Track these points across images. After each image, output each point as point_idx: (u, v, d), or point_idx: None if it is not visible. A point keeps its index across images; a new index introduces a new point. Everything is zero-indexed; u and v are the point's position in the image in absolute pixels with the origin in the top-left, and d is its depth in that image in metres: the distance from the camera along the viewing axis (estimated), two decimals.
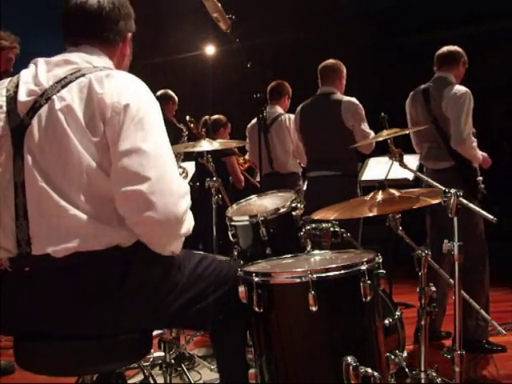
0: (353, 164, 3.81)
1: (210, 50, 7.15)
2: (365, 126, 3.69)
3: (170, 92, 5.29)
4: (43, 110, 1.46)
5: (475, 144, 3.20)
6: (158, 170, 1.43)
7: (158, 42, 6.76)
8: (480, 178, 3.23)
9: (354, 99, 3.73)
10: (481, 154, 3.28)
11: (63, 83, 1.47)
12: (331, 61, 3.89)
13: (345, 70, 3.89)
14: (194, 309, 1.63)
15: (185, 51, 6.80)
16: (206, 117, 4.87)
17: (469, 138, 3.14)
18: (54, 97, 1.46)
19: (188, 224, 1.54)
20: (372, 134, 3.63)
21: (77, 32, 1.62)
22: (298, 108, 4.02)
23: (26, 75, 1.53)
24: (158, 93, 5.11)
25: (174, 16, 6.70)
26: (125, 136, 1.43)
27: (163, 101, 5.11)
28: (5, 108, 1.49)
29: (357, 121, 3.68)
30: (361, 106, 3.71)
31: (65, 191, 1.44)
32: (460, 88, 3.20)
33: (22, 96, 1.49)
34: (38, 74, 1.51)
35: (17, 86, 1.51)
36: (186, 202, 1.51)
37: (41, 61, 1.55)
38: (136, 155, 1.42)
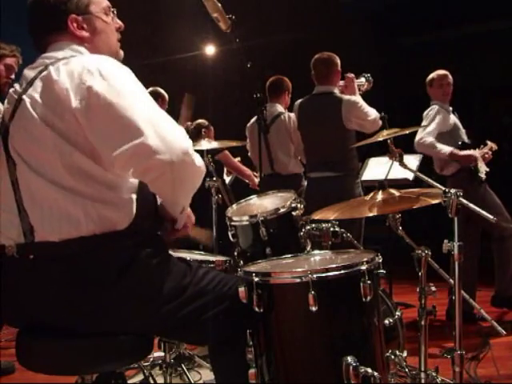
0: (354, 163, 3.76)
1: (209, 49, 7.16)
2: (369, 115, 3.61)
3: (159, 89, 5.23)
4: (18, 111, 1.56)
5: (429, 142, 3.68)
6: (146, 116, 1.46)
7: (157, 42, 6.75)
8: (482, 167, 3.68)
9: (353, 98, 3.66)
10: (448, 149, 3.69)
11: (31, 82, 1.56)
12: (326, 56, 3.78)
13: (339, 63, 3.78)
14: (194, 322, 1.62)
15: (185, 51, 6.79)
16: (188, 123, 4.84)
17: (421, 141, 3.70)
18: (24, 96, 1.55)
19: (198, 157, 1.53)
20: (375, 113, 3.62)
21: (36, 35, 1.70)
22: (296, 104, 3.93)
23: (11, 89, 1.64)
24: (148, 90, 5.08)
25: (174, 16, 6.69)
26: (98, 101, 1.45)
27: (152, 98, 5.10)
28: None
29: (361, 117, 3.60)
30: (359, 100, 3.64)
31: (49, 175, 1.51)
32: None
33: (5, 105, 1.61)
34: (17, 83, 1.63)
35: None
36: (185, 135, 1.51)
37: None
38: (119, 115, 1.44)
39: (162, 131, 1.45)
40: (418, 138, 3.74)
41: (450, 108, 3.94)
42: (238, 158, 5.03)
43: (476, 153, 3.76)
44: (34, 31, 1.70)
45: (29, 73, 1.61)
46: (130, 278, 1.51)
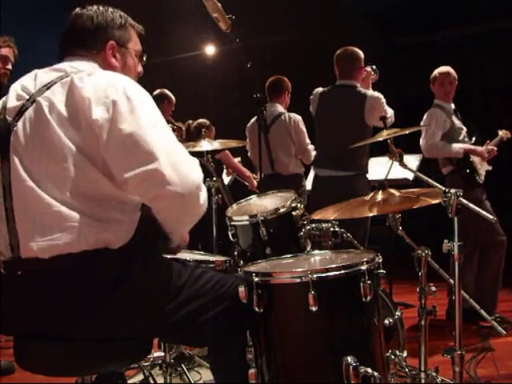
0: (364, 161, 3.65)
1: (209, 49, 7.15)
2: (388, 112, 3.57)
3: (166, 91, 5.25)
4: (29, 112, 1.52)
5: (441, 144, 3.69)
6: (162, 146, 1.45)
7: (157, 41, 6.75)
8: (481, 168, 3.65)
9: (377, 94, 3.60)
10: (461, 147, 3.69)
11: (48, 86, 1.53)
12: (350, 51, 3.67)
13: (363, 58, 3.66)
14: (193, 324, 1.61)
15: (185, 51, 6.79)
16: (190, 121, 4.83)
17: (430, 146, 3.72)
18: (39, 98, 1.51)
19: (204, 193, 1.54)
20: (391, 110, 3.64)
21: (66, 43, 1.70)
22: (316, 92, 3.79)
23: (15, 85, 1.61)
24: (154, 93, 5.10)
25: (174, 16, 6.69)
26: (120, 124, 1.44)
27: (158, 100, 5.07)
28: None
29: (383, 113, 3.43)
30: (381, 96, 3.59)
31: (49, 187, 1.46)
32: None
33: (11, 102, 1.55)
34: (27, 82, 1.59)
35: (7, 97, 1.58)
36: (199, 169, 1.52)
37: (30, 72, 1.63)
38: (137, 139, 1.44)
39: (177, 162, 1.46)
40: (424, 142, 3.73)
41: (453, 106, 3.88)
42: (239, 159, 5.03)
43: (484, 151, 3.77)
44: (66, 39, 1.70)
45: (44, 76, 1.57)
46: (124, 290, 1.49)
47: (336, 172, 3.56)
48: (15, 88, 1.59)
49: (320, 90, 3.80)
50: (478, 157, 3.77)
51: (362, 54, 3.68)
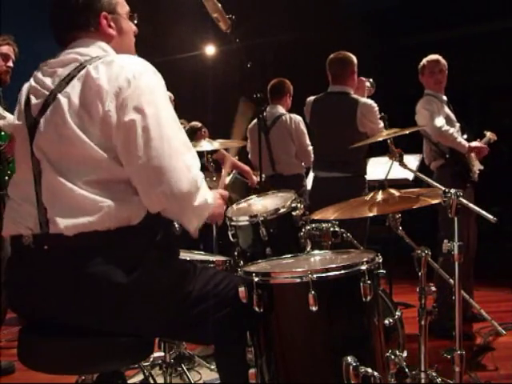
0: (363, 164, 3.69)
1: (209, 49, 7.16)
2: (380, 122, 3.50)
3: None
4: (50, 108, 1.57)
5: (451, 132, 3.48)
6: (163, 145, 1.51)
7: (157, 41, 6.75)
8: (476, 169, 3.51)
9: (370, 101, 3.58)
10: (466, 142, 3.49)
11: (67, 80, 1.57)
12: (342, 55, 3.67)
13: (356, 63, 3.66)
14: (199, 323, 1.62)
15: (185, 51, 6.80)
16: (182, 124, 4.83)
17: (443, 131, 3.47)
18: (59, 95, 1.55)
19: (202, 196, 1.59)
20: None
21: (60, 29, 1.71)
22: (310, 100, 3.82)
23: (31, 83, 1.65)
24: None
25: (173, 16, 6.69)
26: (124, 115, 1.50)
27: None
28: (23, 113, 1.63)
29: (374, 122, 3.52)
30: (374, 104, 3.57)
31: (71, 176, 1.53)
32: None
33: (33, 99, 1.61)
34: (43, 78, 1.62)
35: (28, 95, 1.64)
36: (194, 174, 1.56)
37: (41, 67, 1.67)
38: (141, 132, 1.50)
39: (176, 164, 1.52)
40: (435, 126, 3.50)
41: (445, 98, 3.73)
42: (236, 157, 5.03)
43: (486, 148, 3.62)
44: (58, 26, 1.71)
45: (61, 70, 1.60)
46: (137, 279, 1.52)
47: (333, 173, 3.60)
48: (33, 86, 1.63)
49: (312, 98, 3.83)
50: (478, 154, 3.62)
51: (354, 59, 3.67)
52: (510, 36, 7.49)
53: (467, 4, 7.33)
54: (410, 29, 8.19)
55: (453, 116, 3.69)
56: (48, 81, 1.60)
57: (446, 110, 3.66)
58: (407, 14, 8.06)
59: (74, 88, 1.54)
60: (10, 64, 3.25)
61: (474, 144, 3.62)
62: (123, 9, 1.76)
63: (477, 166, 3.66)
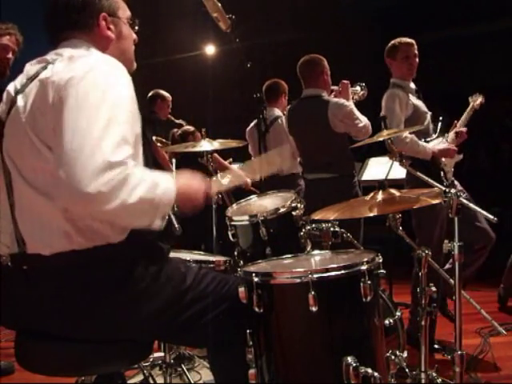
0: (349, 164, 3.69)
1: (209, 49, 7.17)
2: (359, 121, 3.47)
3: (159, 90, 5.30)
4: (12, 110, 1.50)
5: (411, 140, 3.09)
6: (75, 142, 1.31)
7: (157, 41, 6.75)
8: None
9: (342, 101, 3.52)
10: (430, 148, 3.15)
11: (32, 78, 1.50)
12: (309, 57, 3.67)
13: (325, 64, 3.65)
14: (194, 326, 1.60)
15: (185, 51, 6.80)
16: (174, 130, 4.85)
17: (397, 139, 2.95)
18: (18, 96, 1.49)
19: (120, 199, 1.31)
20: (366, 120, 3.49)
21: (54, 28, 1.64)
22: (287, 109, 3.90)
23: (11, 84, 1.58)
24: (149, 94, 5.20)
25: (173, 16, 6.70)
26: (61, 111, 1.37)
27: (151, 101, 5.26)
28: None
29: (349, 122, 3.48)
30: (347, 103, 3.49)
31: (37, 184, 1.44)
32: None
33: (2, 103, 1.55)
34: (18, 78, 1.57)
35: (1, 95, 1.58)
36: (105, 177, 1.29)
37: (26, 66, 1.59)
38: (61, 130, 1.34)
39: (78, 163, 1.29)
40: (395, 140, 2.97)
41: (413, 86, 3.36)
42: (230, 159, 5.04)
43: (452, 145, 3.21)
44: (52, 24, 1.63)
45: (30, 68, 1.54)
46: (128, 290, 1.48)
47: (321, 174, 3.62)
48: (8, 88, 1.56)
49: (288, 107, 3.88)
50: (448, 157, 3.23)
51: (324, 60, 3.65)
52: (510, 36, 7.49)
53: (467, 4, 7.33)
54: (410, 29, 8.19)
55: (422, 105, 3.34)
56: (17, 81, 1.54)
57: (415, 100, 3.30)
58: (407, 14, 8.06)
59: (32, 89, 1.47)
60: (9, 56, 3.07)
61: (441, 147, 3.22)
62: (125, 13, 1.69)
63: (451, 163, 3.34)
